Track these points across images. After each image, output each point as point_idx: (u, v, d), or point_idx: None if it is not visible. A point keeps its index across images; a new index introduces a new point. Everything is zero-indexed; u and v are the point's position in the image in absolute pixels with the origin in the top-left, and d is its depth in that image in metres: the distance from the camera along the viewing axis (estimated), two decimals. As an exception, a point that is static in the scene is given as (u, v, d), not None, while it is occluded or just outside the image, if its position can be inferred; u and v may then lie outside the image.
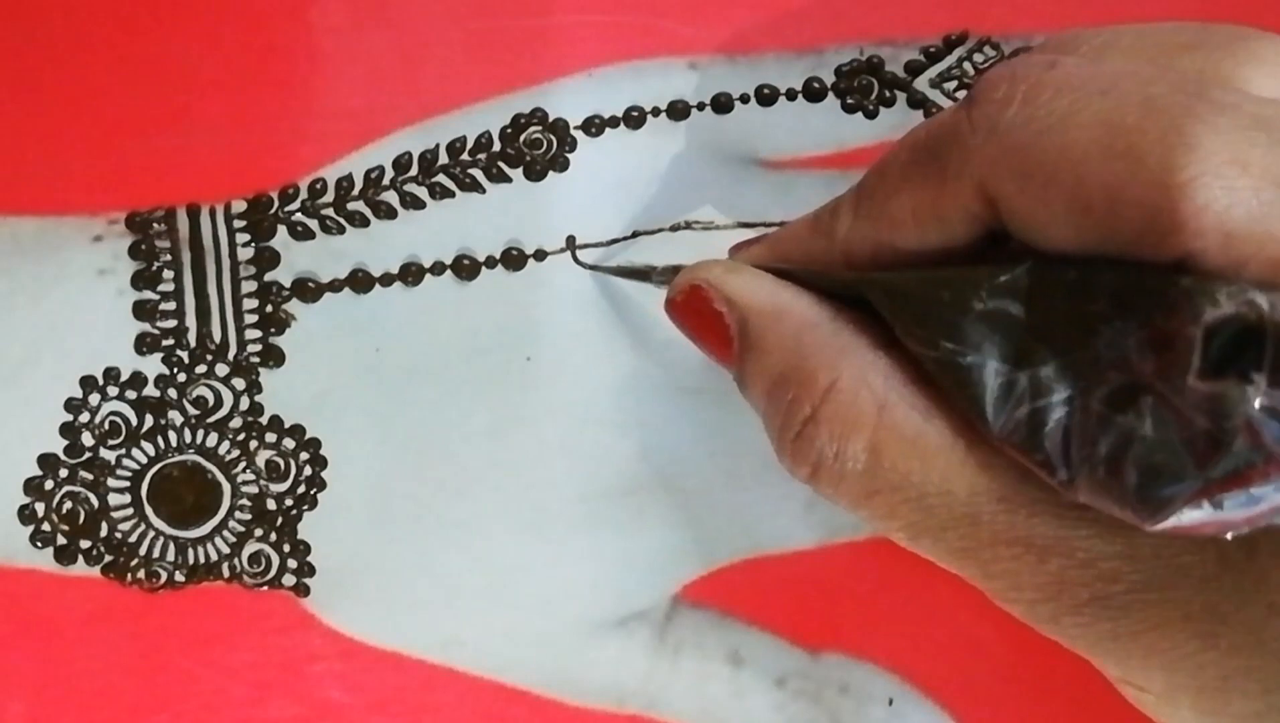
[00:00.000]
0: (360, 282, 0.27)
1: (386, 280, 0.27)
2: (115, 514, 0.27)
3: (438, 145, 0.27)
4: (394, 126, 0.27)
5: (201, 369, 0.27)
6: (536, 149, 0.27)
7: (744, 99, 0.27)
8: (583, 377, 0.27)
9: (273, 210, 0.27)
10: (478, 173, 0.27)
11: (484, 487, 0.27)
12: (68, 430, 0.26)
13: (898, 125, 0.27)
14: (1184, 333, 0.14)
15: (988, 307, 0.17)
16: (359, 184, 0.27)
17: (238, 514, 0.27)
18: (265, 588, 0.27)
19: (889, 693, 0.27)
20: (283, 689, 0.27)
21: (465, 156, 0.27)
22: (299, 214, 0.27)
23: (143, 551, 0.27)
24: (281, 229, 0.27)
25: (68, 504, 0.27)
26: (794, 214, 0.23)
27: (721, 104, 0.27)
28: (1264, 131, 0.15)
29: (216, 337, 0.27)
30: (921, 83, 0.27)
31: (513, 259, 0.27)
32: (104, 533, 0.27)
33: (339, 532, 0.27)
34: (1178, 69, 0.17)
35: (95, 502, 0.27)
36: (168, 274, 0.27)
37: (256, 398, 0.27)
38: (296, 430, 0.27)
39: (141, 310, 0.27)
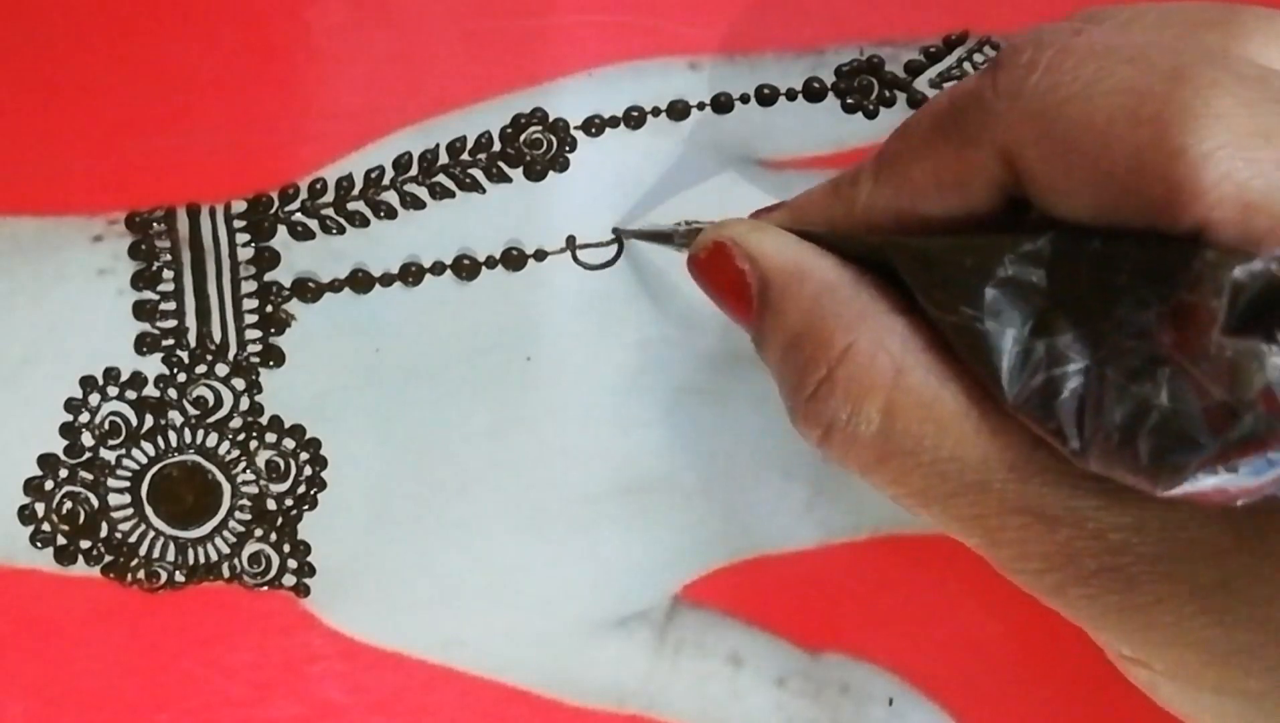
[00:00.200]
0: (360, 282, 0.27)
1: (386, 280, 0.27)
2: (115, 514, 0.27)
3: (438, 145, 0.27)
4: (394, 126, 0.27)
5: (201, 369, 0.27)
6: (536, 149, 0.27)
7: (744, 99, 0.27)
8: (583, 377, 0.27)
9: (273, 210, 0.27)
10: (478, 173, 0.27)
11: (484, 487, 0.27)
12: (68, 430, 0.26)
13: (898, 125, 0.27)
14: (1206, 305, 0.14)
15: (1010, 274, 0.17)
16: (359, 184, 0.27)
17: (238, 514, 0.27)
18: (265, 588, 0.27)
19: (889, 693, 0.27)
20: (283, 689, 0.27)
21: (465, 156, 0.27)
22: (299, 214, 0.27)
23: (143, 551, 0.27)
24: (281, 229, 0.27)
25: (68, 504, 0.27)
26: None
27: (721, 104, 0.27)
28: None
29: (216, 337, 0.27)
30: (921, 83, 0.27)
31: (513, 259, 0.27)
32: (104, 533, 0.27)
33: (339, 532, 0.27)
34: (1204, 44, 0.17)
35: (95, 502, 0.27)
36: (168, 274, 0.27)
37: (256, 398, 0.27)
38: (296, 430, 0.27)
39: (141, 310, 0.27)
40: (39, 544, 0.27)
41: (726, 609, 0.27)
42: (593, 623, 0.27)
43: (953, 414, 0.18)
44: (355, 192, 0.27)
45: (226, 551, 0.27)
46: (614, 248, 0.27)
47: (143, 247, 0.27)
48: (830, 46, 0.27)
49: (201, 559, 0.27)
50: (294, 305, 0.27)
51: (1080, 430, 0.16)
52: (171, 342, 0.27)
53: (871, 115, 0.27)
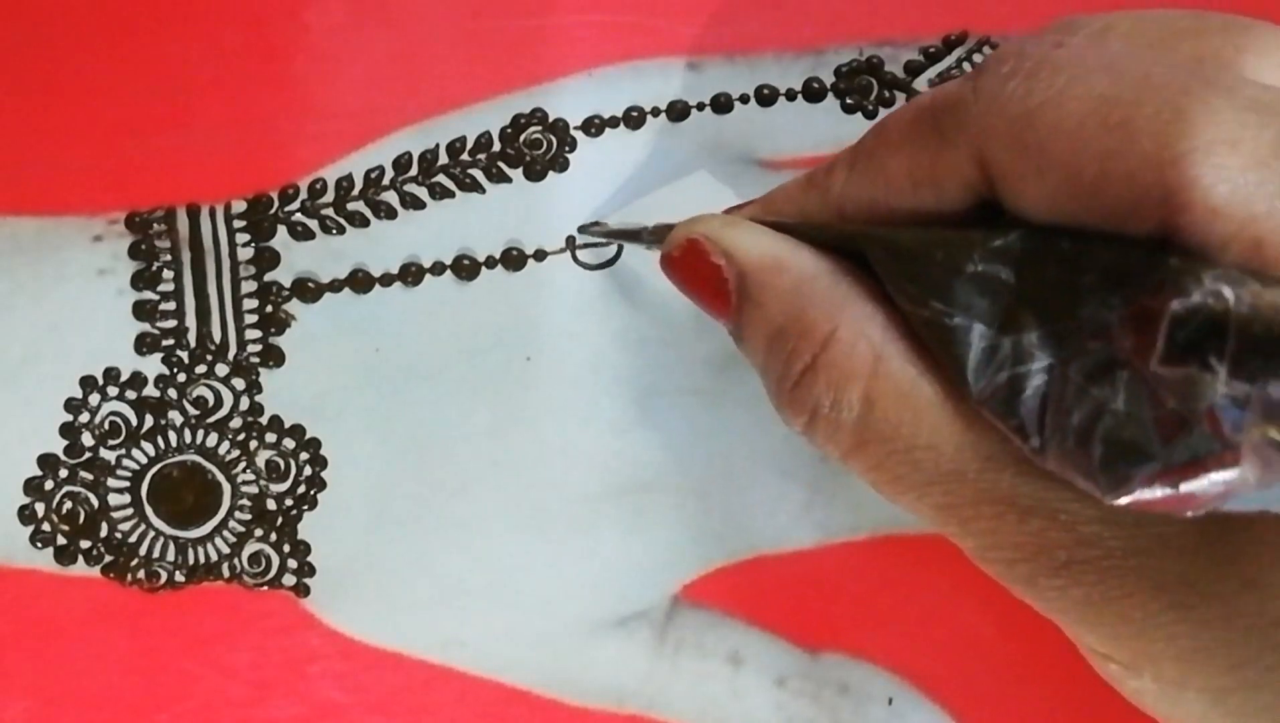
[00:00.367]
0: (360, 282, 0.27)
1: (386, 280, 0.27)
2: (115, 514, 0.27)
3: (438, 145, 0.27)
4: (394, 126, 0.27)
5: (201, 369, 0.27)
6: (536, 149, 0.27)
7: (744, 99, 0.27)
8: (583, 377, 0.27)
9: (273, 210, 0.27)
10: (478, 173, 0.27)
11: (484, 487, 0.27)
12: (68, 430, 0.26)
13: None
14: (1165, 312, 0.15)
15: (979, 269, 0.17)
16: (359, 184, 0.27)
17: (238, 514, 0.27)
18: (265, 588, 0.27)
19: (889, 693, 0.27)
20: (283, 689, 0.27)
21: (465, 156, 0.27)
22: (299, 214, 0.27)
23: (143, 551, 0.27)
24: (281, 229, 0.27)
25: (68, 504, 0.27)
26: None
27: (721, 104, 0.27)
28: (1256, 114, 0.15)
29: (216, 337, 0.27)
30: (921, 83, 0.27)
31: (513, 259, 0.27)
32: (104, 533, 0.27)
33: (339, 532, 0.27)
34: (1177, 53, 0.17)
35: (95, 502, 0.27)
36: (168, 274, 0.27)
37: (256, 398, 0.27)
38: (296, 430, 0.27)
39: (141, 310, 0.27)
40: (39, 544, 0.27)
41: (726, 609, 0.27)
42: (593, 623, 0.27)
43: (929, 403, 0.18)
44: (355, 192, 0.27)
45: (226, 551, 0.27)
46: (614, 248, 0.27)
47: (143, 247, 0.27)
48: (830, 47, 0.27)
49: (201, 559, 0.27)
50: (294, 305, 0.27)
51: (1041, 429, 0.16)
52: (171, 342, 0.27)
53: (871, 115, 0.27)
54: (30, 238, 0.26)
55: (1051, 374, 0.16)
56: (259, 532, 0.27)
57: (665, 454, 0.27)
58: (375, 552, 0.27)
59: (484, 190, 0.27)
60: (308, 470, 0.27)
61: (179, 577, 0.27)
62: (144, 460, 0.27)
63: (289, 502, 0.27)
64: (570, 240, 0.27)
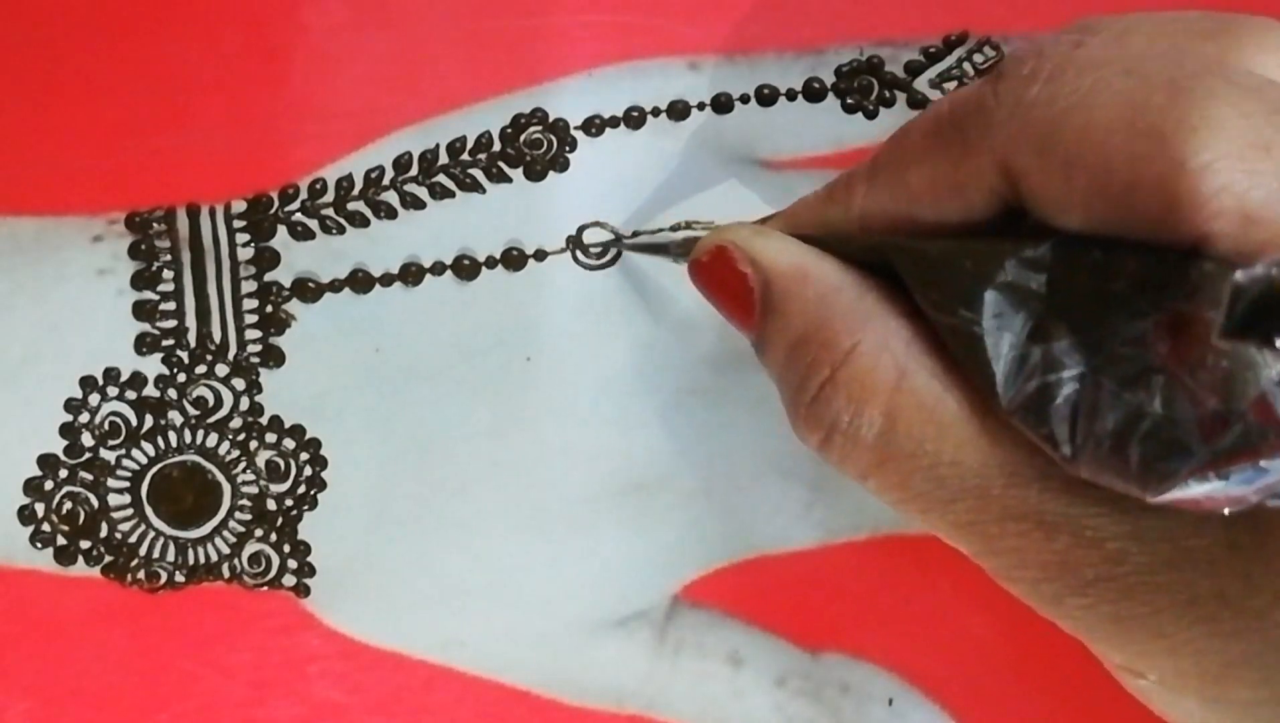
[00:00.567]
0: (360, 282, 0.27)
1: (386, 280, 0.27)
2: (115, 515, 0.27)
3: (438, 145, 0.27)
4: (394, 126, 0.27)
5: (201, 369, 0.27)
6: (536, 149, 0.27)
7: (744, 99, 0.27)
8: (583, 377, 0.27)
9: (273, 210, 0.27)
10: (478, 173, 0.27)
11: (484, 487, 0.27)
12: (68, 431, 0.26)
13: (897, 126, 0.27)
14: (1202, 316, 0.14)
15: (1010, 278, 0.17)
16: (359, 184, 0.27)
17: (238, 515, 0.27)
18: (265, 588, 0.27)
19: (889, 693, 0.27)
20: (283, 689, 0.27)
21: (465, 156, 0.27)
22: (299, 214, 0.27)
23: (143, 551, 0.27)
24: (281, 229, 0.27)
25: (68, 505, 0.27)
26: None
27: (721, 104, 0.27)
28: None
29: (216, 337, 0.27)
30: (921, 83, 0.27)
31: (513, 259, 0.27)
32: (104, 533, 0.27)
33: (339, 532, 0.27)
34: (1202, 56, 0.17)
35: (95, 502, 0.27)
36: (168, 274, 0.27)
37: (256, 398, 0.27)
38: (296, 430, 0.27)
39: (141, 310, 0.27)
40: (39, 544, 0.27)
41: (726, 609, 0.27)
42: (593, 623, 0.27)
43: (954, 419, 0.18)
44: (355, 192, 0.27)
45: (226, 551, 0.27)
46: (614, 248, 0.27)
47: (143, 247, 0.27)
48: (830, 46, 0.27)
49: (201, 559, 0.27)
50: (294, 305, 0.27)
51: (1073, 437, 0.16)
52: (171, 342, 0.27)
53: (871, 115, 0.27)
54: (30, 238, 0.26)
55: (1083, 382, 0.16)
56: (259, 532, 0.27)
57: (666, 454, 0.27)
58: (375, 552, 0.27)
59: (484, 190, 0.27)
60: (308, 471, 0.27)
61: (179, 577, 0.27)
62: (144, 461, 0.27)
63: (289, 502, 0.27)
64: (570, 240, 0.27)
